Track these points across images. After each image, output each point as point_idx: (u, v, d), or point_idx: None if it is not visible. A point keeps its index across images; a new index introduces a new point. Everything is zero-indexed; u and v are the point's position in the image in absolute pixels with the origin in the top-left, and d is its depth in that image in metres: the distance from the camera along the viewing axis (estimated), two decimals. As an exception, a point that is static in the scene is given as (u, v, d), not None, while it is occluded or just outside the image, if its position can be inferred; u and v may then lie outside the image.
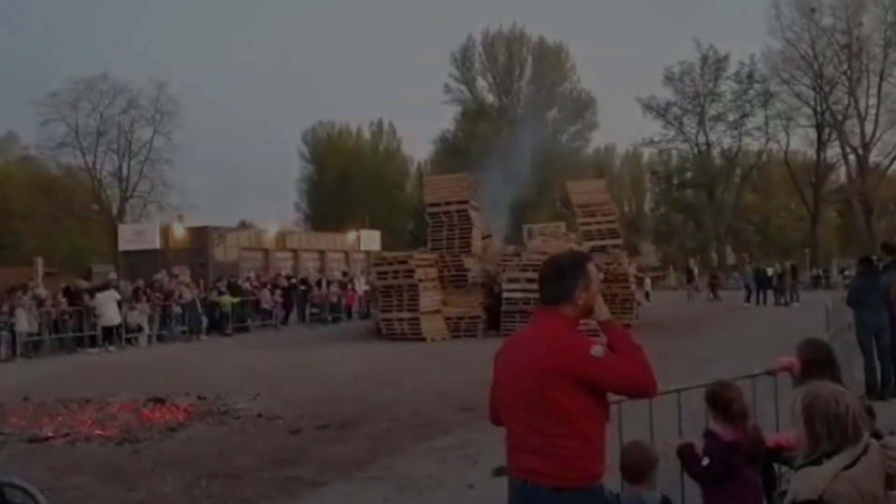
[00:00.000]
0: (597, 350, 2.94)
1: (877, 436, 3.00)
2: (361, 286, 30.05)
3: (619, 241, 23.72)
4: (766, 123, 54.28)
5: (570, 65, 63.84)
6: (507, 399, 3.10)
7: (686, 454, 4.08)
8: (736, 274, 44.42)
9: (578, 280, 3.08)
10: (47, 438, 9.34)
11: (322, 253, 47.68)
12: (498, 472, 4.22)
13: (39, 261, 29.29)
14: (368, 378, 13.83)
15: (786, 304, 30.62)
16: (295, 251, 46.26)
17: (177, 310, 22.83)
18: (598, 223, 23.81)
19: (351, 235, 50.29)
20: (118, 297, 20.97)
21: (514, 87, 63.74)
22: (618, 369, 2.95)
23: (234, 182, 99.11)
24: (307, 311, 27.99)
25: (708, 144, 56.61)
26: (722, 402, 4.03)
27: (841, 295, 12.85)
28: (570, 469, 2.92)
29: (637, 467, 3.96)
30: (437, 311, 21.39)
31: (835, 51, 49.94)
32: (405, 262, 21.53)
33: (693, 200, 60.27)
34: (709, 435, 4.06)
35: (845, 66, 49.63)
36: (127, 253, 39.87)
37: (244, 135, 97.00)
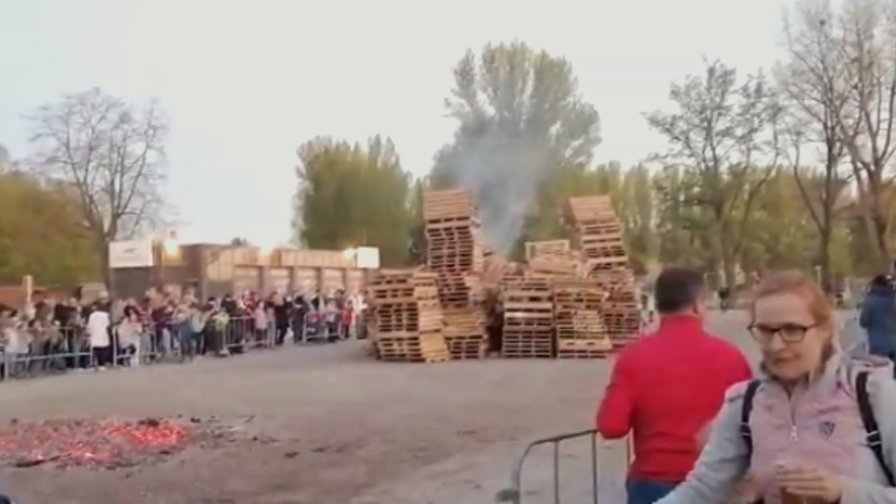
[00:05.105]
0: None
1: None
2: (359, 305, 29.73)
3: (623, 259, 23.53)
4: (775, 138, 53.04)
5: (573, 78, 63.56)
6: (682, 399, 3.11)
7: None
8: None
9: (701, 291, 3.40)
10: (37, 462, 9.15)
11: (318, 270, 47.50)
12: (504, 496, 3.93)
13: (28, 279, 28.99)
14: (366, 400, 13.60)
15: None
16: (290, 269, 46.06)
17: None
18: (602, 240, 23.62)
19: (348, 253, 50.12)
20: (108, 323, 20.70)
21: (515, 101, 63.14)
22: None
23: (228, 198, 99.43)
24: (303, 331, 27.70)
25: (715, 160, 55.62)
26: None
27: (854, 315, 12.61)
28: None
29: None
30: (437, 331, 20.99)
31: (845, 64, 49.08)
32: (404, 281, 21.17)
33: (700, 217, 59.73)
34: None
35: (856, 80, 48.75)
36: (118, 271, 39.61)
37: (239, 150, 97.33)
